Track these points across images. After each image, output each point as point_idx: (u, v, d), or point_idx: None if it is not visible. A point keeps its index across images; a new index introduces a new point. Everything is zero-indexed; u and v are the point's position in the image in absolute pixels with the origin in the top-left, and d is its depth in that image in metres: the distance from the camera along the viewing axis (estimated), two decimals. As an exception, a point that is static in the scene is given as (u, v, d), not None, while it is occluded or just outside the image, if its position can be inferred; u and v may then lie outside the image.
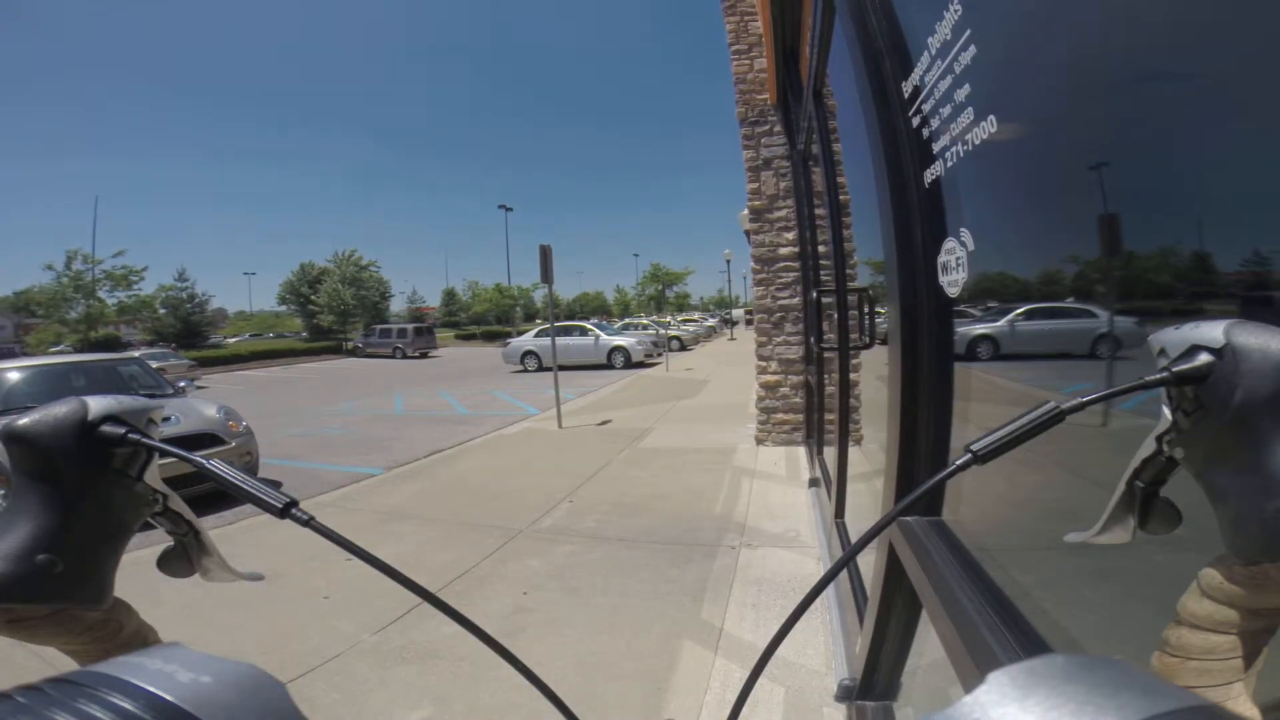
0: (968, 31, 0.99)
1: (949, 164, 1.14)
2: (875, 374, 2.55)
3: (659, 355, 18.88)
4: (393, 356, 30.92)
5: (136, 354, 11.68)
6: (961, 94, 1.04)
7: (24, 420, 0.47)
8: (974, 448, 0.44)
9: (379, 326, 35.13)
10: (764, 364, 5.90)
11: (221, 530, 4.23)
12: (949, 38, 1.05)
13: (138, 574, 0.61)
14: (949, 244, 1.22)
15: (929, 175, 1.26)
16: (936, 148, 1.19)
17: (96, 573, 0.50)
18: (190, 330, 37.30)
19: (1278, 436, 0.35)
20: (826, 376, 4.65)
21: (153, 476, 0.53)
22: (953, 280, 1.20)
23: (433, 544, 3.75)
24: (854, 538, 2.77)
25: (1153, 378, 0.41)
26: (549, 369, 9.24)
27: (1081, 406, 0.42)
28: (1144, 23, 0.68)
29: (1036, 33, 0.93)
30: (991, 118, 0.96)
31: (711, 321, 47.60)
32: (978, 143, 1.00)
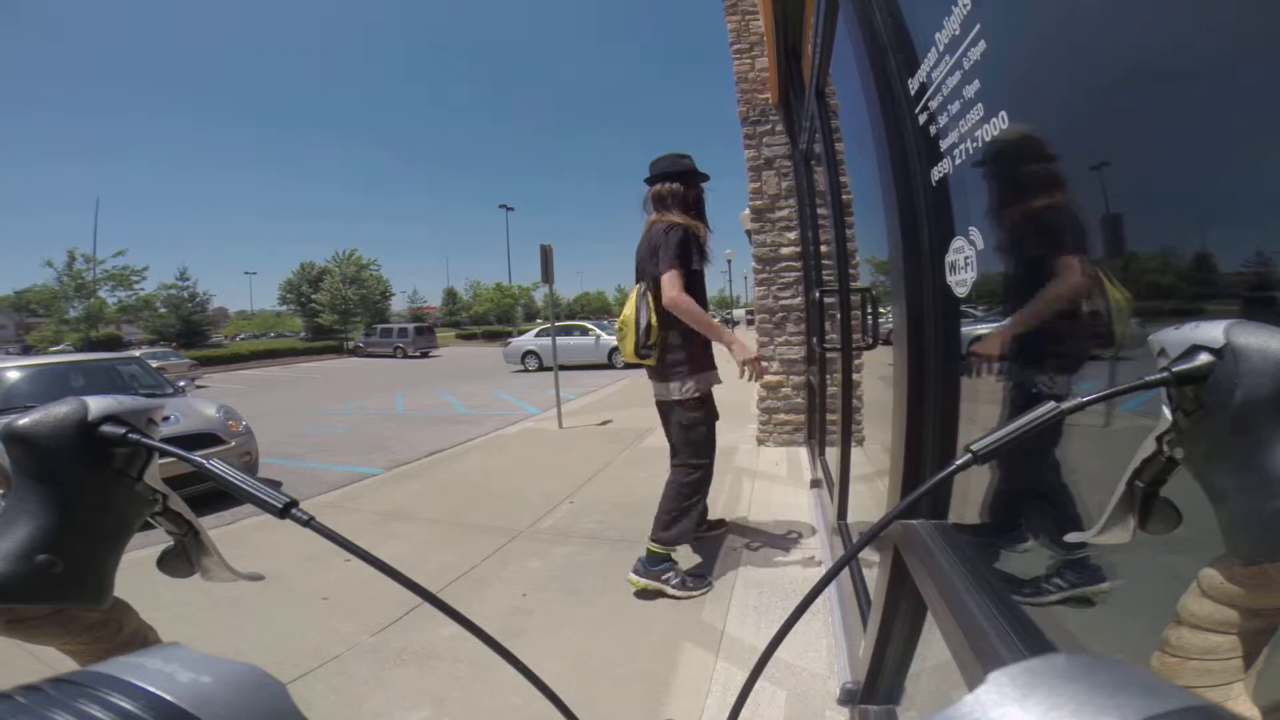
0: (977, 26, 0.99)
1: (957, 161, 1.14)
2: (878, 374, 2.55)
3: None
4: (393, 356, 30.96)
5: (137, 353, 11.69)
6: (971, 90, 1.03)
7: (24, 420, 0.47)
8: (974, 447, 0.44)
9: (380, 326, 35.15)
10: (765, 364, 5.89)
11: (221, 530, 4.23)
12: (957, 32, 1.05)
13: (138, 574, 0.62)
14: (957, 243, 1.22)
15: (936, 173, 1.26)
16: (944, 145, 1.19)
17: (96, 573, 0.51)
18: (191, 329, 37.35)
19: (1278, 436, 0.35)
20: (828, 377, 4.66)
21: (153, 476, 0.53)
22: (961, 280, 1.20)
23: (433, 544, 3.75)
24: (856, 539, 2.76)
25: (1153, 378, 0.41)
26: (550, 368, 9.24)
27: (1081, 406, 0.43)
28: (1158, 15, 0.68)
29: (1049, 26, 0.93)
30: (1003, 114, 0.95)
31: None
32: (988, 139, 1.00)
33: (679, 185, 3.04)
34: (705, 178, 3.16)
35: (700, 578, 2.98)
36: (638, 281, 3.10)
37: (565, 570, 3.23)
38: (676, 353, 3.03)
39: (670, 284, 2.86)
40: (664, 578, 2.90)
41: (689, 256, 2.91)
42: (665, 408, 3.16)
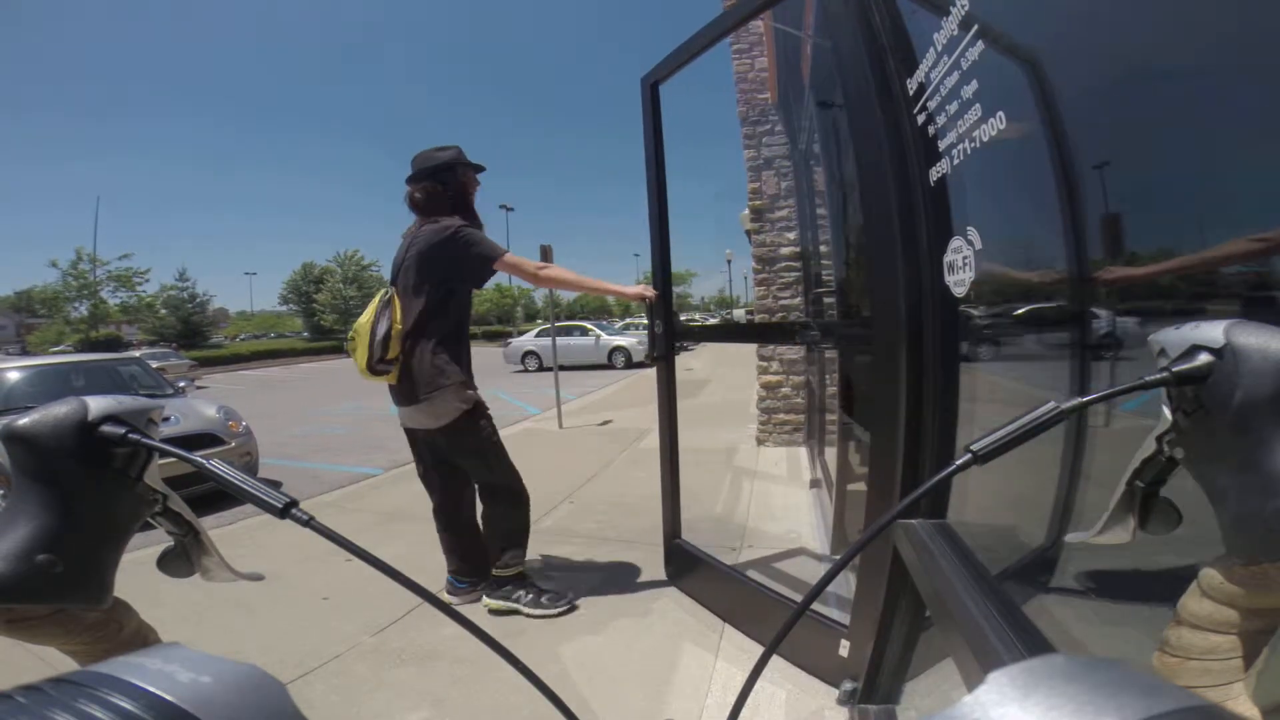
0: (975, 27, 0.99)
1: (955, 161, 1.14)
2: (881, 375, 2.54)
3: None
4: (394, 356, 30.84)
5: (137, 354, 11.69)
6: (969, 90, 1.03)
7: (24, 420, 0.47)
8: (974, 448, 0.44)
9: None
10: (765, 364, 5.89)
11: (221, 530, 4.23)
12: (955, 33, 1.05)
13: (138, 574, 0.61)
14: (955, 243, 1.22)
15: (934, 173, 1.26)
16: (943, 145, 1.19)
17: (96, 573, 0.50)
18: (191, 330, 37.37)
19: (1278, 436, 0.35)
20: (827, 377, 4.66)
21: (153, 476, 0.53)
22: (960, 280, 1.20)
23: (433, 544, 3.72)
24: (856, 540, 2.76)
25: (1153, 378, 0.41)
26: (550, 369, 9.24)
27: (1081, 406, 0.43)
28: (1158, 15, 0.68)
29: (1046, 28, 0.93)
30: (1000, 114, 0.95)
31: (713, 321, 47.68)
32: (985, 139, 1.00)
33: (438, 185, 2.72)
34: (477, 169, 2.86)
35: (559, 595, 2.74)
36: (392, 285, 2.76)
37: (566, 570, 3.24)
38: (428, 368, 2.61)
39: (516, 263, 2.67)
40: (514, 597, 2.72)
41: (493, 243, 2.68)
42: (426, 438, 2.78)
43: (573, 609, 2.70)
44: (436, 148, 2.76)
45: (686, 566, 2.89)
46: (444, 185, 2.72)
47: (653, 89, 2.64)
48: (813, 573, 2.99)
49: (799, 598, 2.51)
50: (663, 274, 2.83)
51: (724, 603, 2.63)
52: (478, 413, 2.68)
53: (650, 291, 2.77)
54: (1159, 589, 0.50)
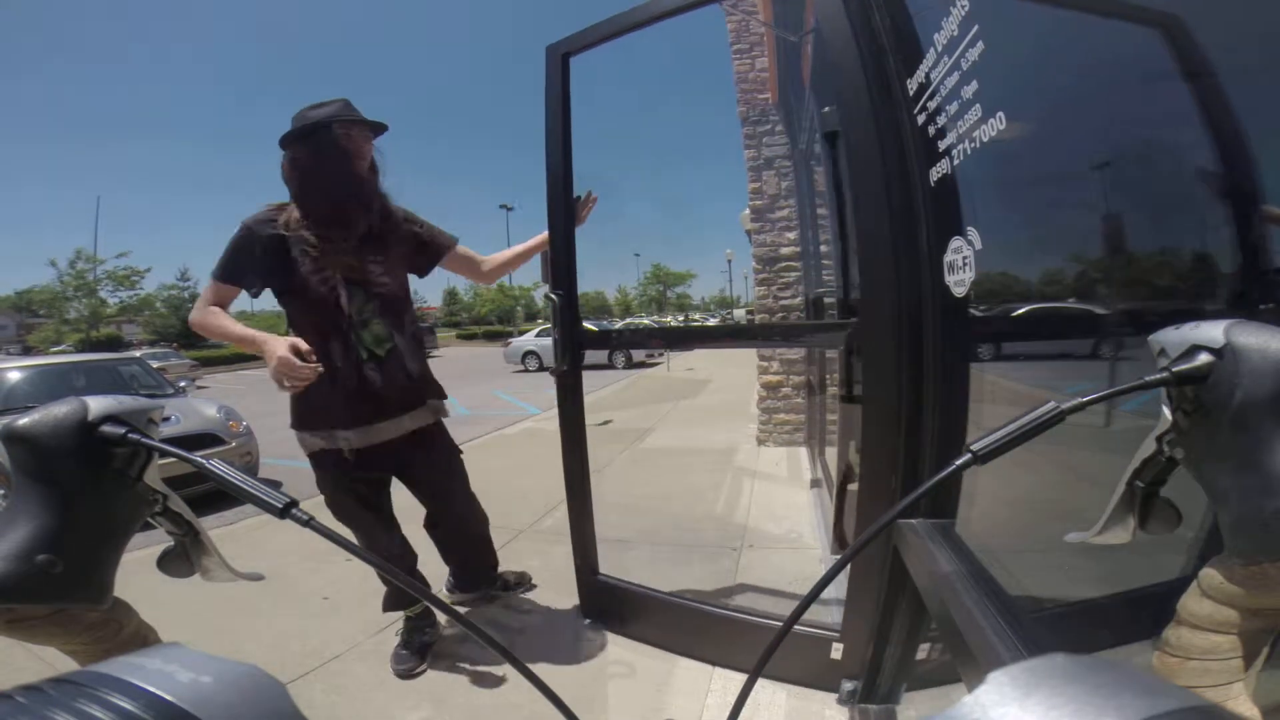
0: (975, 27, 0.99)
1: (956, 162, 1.14)
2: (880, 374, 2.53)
3: (660, 355, 18.88)
4: (394, 356, 30.86)
5: (137, 353, 11.68)
6: (969, 90, 1.03)
7: (24, 420, 0.47)
8: (974, 448, 0.44)
9: (380, 326, 35.17)
10: (765, 364, 5.89)
11: (221, 530, 4.23)
12: (956, 33, 1.05)
13: (138, 574, 0.61)
14: (956, 243, 1.22)
15: (935, 173, 1.26)
16: (943, 145, 1.19)
17: (96, 573, 0.50)
18: (191, 329, 37.44)
19: (1277, 436, 0.35)
20: (828, 377, 4.66)
21: (152, 476, 0.53)
22: (960, 280, 1.20)
23: (432, 545, 3.74)
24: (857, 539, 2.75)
25: (1153, 378, 0.41)
26: (550, 368, 9.23)
27: (1081, 406, 0.43)
28: (1157, 19, 0.68)
29: (1046, 28, 0.93)
30: (1000, 114, 0.95)
31: (713, 321, 47.70)
32: (986, 139, 1.00)
33: (293, 155, 2.08)
34: (375, 128, 2.18)
35: (403, 658, 2.29)
36: None
37: (566, 569, 3.23)
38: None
39: (205, 298, 2.13)
40: (414, 634, 2.34)
41: (229, 264, 2.10)
42: None
43: (412, 677, 2.25)
44: (314, 104, 2.09)
45: (619, 607, 2.60)
46: (316, 153, 2.06)
47: (563, 60, 2.38)
48: (813, 572, 2.99)
49: (798, 598, 2.51)
50: (567, 270, 2.42)
51: (685, 638, 2.37)
52: (321, 460, 2.33)
53: (276, 355, 2.01)
54: (1159, 589, 0.50)
